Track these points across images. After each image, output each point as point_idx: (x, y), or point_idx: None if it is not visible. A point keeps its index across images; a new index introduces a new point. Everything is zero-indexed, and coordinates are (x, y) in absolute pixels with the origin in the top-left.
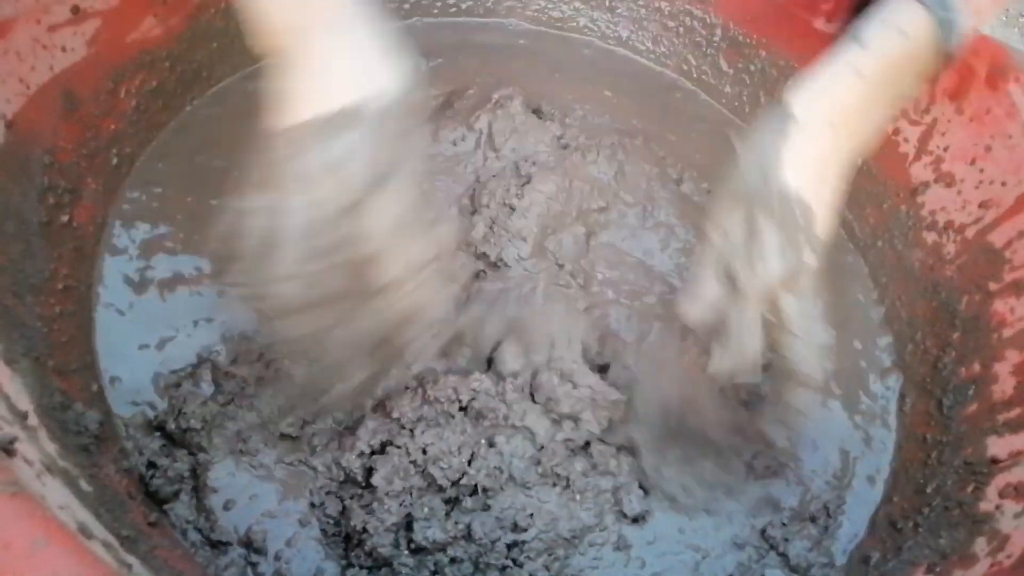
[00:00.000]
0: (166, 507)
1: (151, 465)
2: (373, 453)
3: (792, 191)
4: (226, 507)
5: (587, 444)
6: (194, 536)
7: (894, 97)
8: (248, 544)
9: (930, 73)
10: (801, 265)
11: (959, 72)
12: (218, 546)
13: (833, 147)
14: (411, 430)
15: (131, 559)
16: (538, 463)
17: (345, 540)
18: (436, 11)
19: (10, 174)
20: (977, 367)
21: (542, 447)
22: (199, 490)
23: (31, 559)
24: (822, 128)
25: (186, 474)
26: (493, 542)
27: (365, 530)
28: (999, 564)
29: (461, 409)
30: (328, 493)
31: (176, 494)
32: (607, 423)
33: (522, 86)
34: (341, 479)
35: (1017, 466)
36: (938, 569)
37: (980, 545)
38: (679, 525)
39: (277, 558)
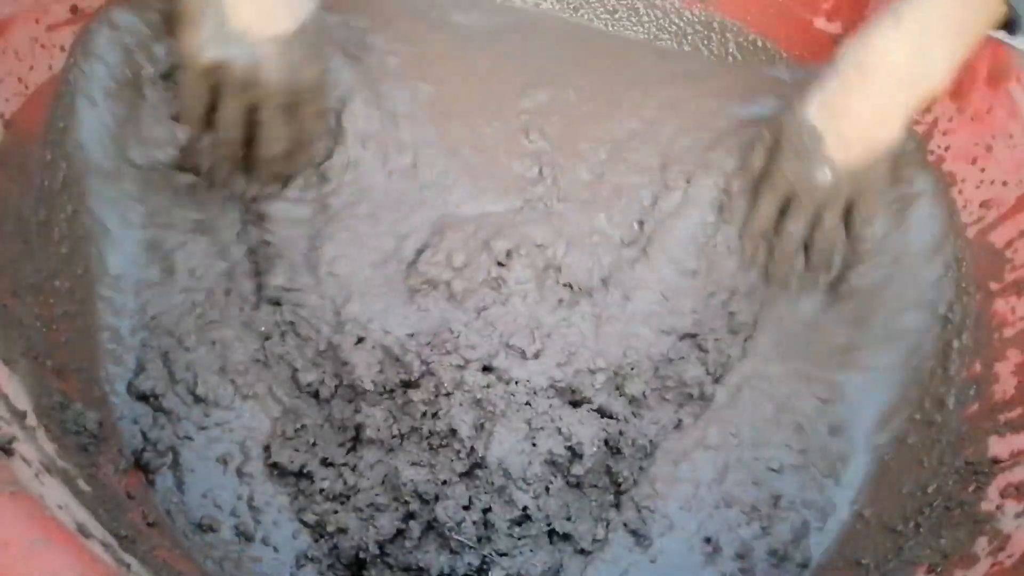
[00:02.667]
0: (151, 477)
1: (144, 438)
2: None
3: (807, 121)
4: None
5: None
6: (181, 521)
7: (952, 39)
8: (239, 532)
9: (992, 18)
10: (812, 177)
11: (960, 71)
12: (208, 531)
13: (862, 86)
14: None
15: (129, 559)
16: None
17: (332, 548)
18: None
19: (8, 173)
20: (978, 367)
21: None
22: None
23: (30, 559)
24: (849, 69)
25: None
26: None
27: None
28: (1000, 564)
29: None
30: (311, 496)
31: (163, 467)
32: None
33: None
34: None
35: (1018, 466)
36: (939, 569)
37: (981, 545)
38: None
39: (266, 543)
